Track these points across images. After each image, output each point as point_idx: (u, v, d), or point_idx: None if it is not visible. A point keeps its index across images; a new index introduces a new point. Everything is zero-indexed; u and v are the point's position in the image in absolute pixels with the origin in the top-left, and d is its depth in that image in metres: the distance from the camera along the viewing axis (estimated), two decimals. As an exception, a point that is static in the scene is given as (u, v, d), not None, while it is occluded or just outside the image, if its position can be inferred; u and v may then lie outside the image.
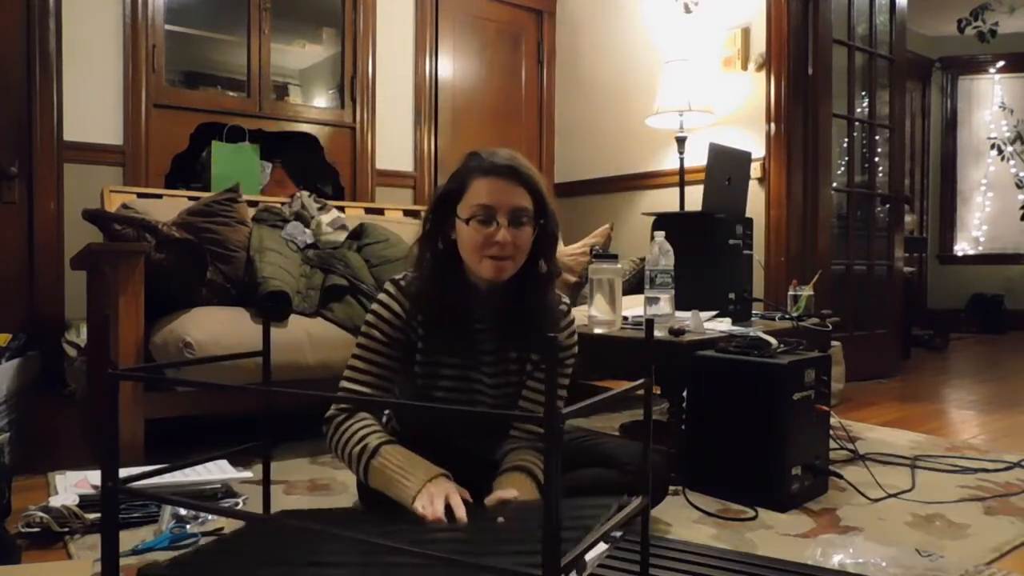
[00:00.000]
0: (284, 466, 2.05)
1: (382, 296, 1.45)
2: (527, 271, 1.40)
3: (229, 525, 1.51)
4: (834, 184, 3.61)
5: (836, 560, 1.36)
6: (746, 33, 3.53)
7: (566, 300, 1.53)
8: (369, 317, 1.44)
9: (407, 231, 2.88)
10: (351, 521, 1.50)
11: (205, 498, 1.69)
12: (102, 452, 0.99)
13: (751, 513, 1.68)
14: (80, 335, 2.78)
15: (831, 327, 2.43)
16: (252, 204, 2.79)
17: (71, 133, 3.07)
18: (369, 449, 1.34)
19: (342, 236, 2.72)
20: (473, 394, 1.47)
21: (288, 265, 2.39)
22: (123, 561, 1.17)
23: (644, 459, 1.13)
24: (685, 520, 1.63)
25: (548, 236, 1.39)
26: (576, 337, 1.52)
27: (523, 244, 1.35)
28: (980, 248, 6.72)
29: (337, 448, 1.41)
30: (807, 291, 2.58)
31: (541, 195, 1.36)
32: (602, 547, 1.28)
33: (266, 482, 1.25)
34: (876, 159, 3.91)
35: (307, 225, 2.74)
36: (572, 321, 1.52)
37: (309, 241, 2.65)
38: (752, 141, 3.43)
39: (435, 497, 1.22)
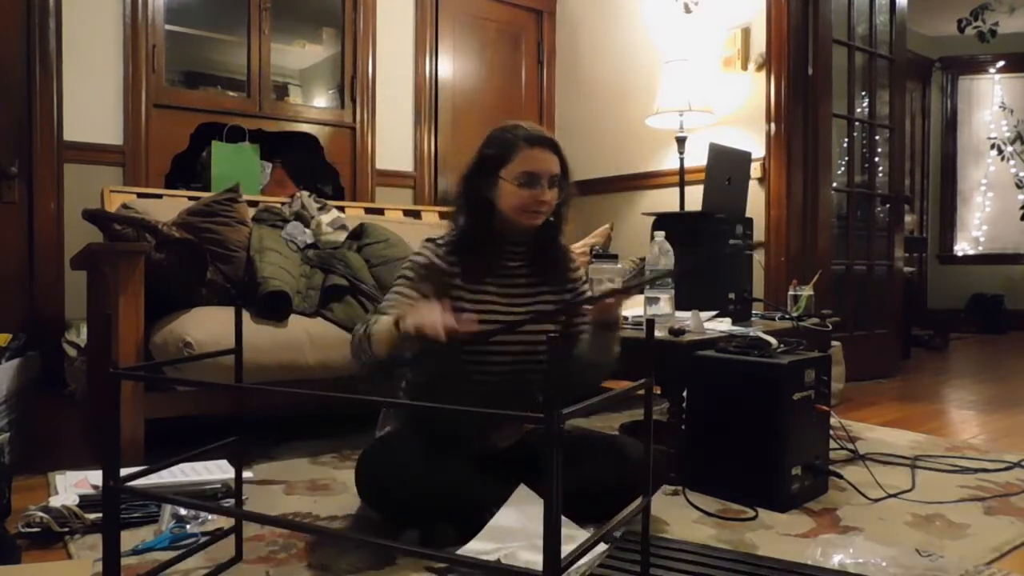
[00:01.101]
0: (284, 466, 2.05)
1: (420, 249, 1.63)
2: (547, 220, 1.64)
3: (229, 525, 1.50)
4: (834, 184, 3.61)
5: (836, 560, 1.36)
6: (746, 33, 3.53)
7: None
8: (405, 265, 1.63)
9: (407, 231, 2.88)
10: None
11: (205, 498, 1.69)
12: (103, 451, 0.99)
13: (751, 513, 1.68)
14: (80, 335, 2.78)
15: (831, 327, 2.43)
16: (252, 204, 2.79)
17: (71, 133, 3.07)
18: (369, 325, 1.50)
19: (342, 236, 2.72)
20: (507, 317, 1.62)
21: (288, 265, 2.39)
22: (123, 561, 1.17)
23: (646, 459, 1.13)
24: (685, 520, 1.63)
25: (567, 194, 1.64)
26: (581, 270, 1.79)
27: (554, 201, 1.60)
28: (980, 248, 6.72)
29: (353, 347, 1.53)
30: (807, 291, 2.58)
31: (566, 163, 1.62)
32: (602, 547, 1.28)
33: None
34: (876, 159, 3.91)
35: (307, 225, 2.73)
36: (572, 255, 1.78)
37: (309, 241, 2.65)
38: (752, 141, 3.43)
39: (424, 314, 1.36)
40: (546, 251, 1.68)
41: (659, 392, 2.11)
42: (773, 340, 1.86)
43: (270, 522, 1.26)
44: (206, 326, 2.05)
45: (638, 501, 1.11)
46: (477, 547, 1.31)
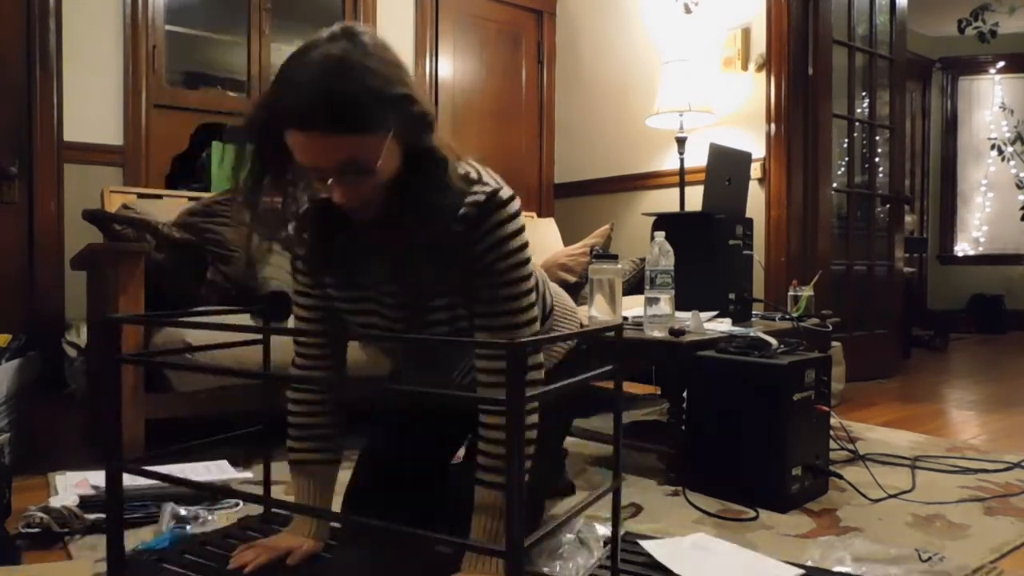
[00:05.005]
0: (284, 466, 2.04)
1: None
2: (406, 174, 1.09)
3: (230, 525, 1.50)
4: (834, 184, 3.61)
5: (836, 561, 1.36)
6: (746, 33, 3.53)
7: (482, 176, 1.13)
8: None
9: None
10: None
11: (205, 498, 1.68)
12: (104, 434, 0.99)
13: (751, 513, 1.68)
14: (80, 335, 2.78)
15: (831, 327, 2.43)
16: (252, 204, 2.79)
17: (71, 133, 3.07)
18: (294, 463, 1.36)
19: (342, 236, 2.71)
20: (389, 322, 1.23)
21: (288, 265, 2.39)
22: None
23: (615, 444, 1.10)
24: (685, 520, 1.63)
25: (409, 130, 1.06)
26: (509, 232, 1.12)
27: (369, 189, 1.07)
28: (980, 248, 6.72)
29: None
30: (807, 291, 2.58)
31: (368, 120, 1.00)
32: (596, 555, 1.28)
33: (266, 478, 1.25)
34: (876, 159, 3.92)
35: (307, 225, 2.73)
36: (494, 215, 1.10)
37: (309, 241, 2.65)
38: (752, 141, 3.43)
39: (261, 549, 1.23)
40: (412, 225, 1.12)
41: (659, 392, 2.11)
42: (773, 340, 1.86)
43: (298, 510, 1.25)
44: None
45: (608, 484, 1.08)
46: None
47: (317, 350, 1.30)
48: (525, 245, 1.15)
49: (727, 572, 1.31)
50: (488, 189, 1.11)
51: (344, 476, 1.42)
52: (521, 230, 1.15)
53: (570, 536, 1.32)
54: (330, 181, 1.04)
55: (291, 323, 1.41)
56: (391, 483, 1.44)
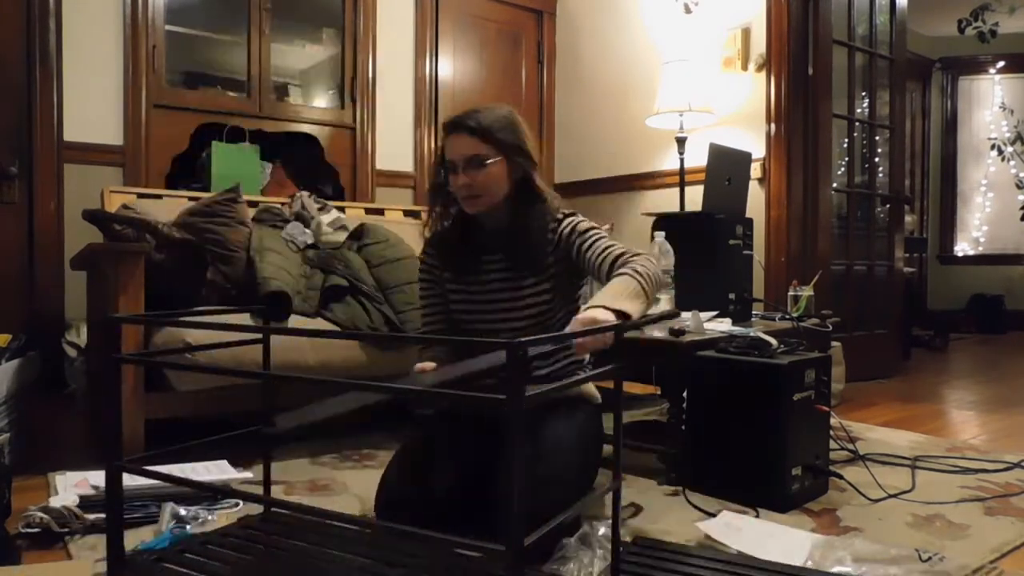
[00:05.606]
0: (284, 466, 2.05)
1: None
2: (515, 202, 1.63)
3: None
4: (834, 184, 3.61)
5: (836, 561, 1.35)
6: (746, 33, 3.53)
7: (564, 211, 1.67)
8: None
9: (407, 231, 2.88)
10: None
11: (205, 498, 1.68)
12: (104, 434, 0.99)
13: (751, 513, 1.68)
14: (80, 335, 2.78)
15: (831, 327, 2.43)
16: (252, 204, 2.79)
17: (71, 133, 3.07)
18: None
19: (342, 236, 2.72)
20: (494, 314, 1.65)
21: (288, 265, 2.39)
22: (123, 561, 1.17)
23: (615, 444, 1.11)
24: (685, 520, 1.63)
25: (518, 167, 1.60)
26: (581, 222, 1.65)
27: (484, 181, 1.57)
28: (980, 248, 6.72)
29: None
30: (807, 291, 2.58)
31: (494, 137, 1.56)
32: (598, 555, 1.28)
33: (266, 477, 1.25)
34: (876, 159, 3.91)
35: (307, 225, 2.73)
36: (568, 220, 1.65)
37: (309, 241, 2.65)
38: (752, 141, 3.43)
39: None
40: (517, 237, 1.62)
41: (659, 392, 2.11)
42: (773, 340, 1.86)
43: (298, 510, 1.25)
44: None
45: (607, 483, 1.10)
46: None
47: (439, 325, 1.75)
48: (594, 226, 1.66)
49: (762, 541, 1.47)
50: (564, 212, 1.68)
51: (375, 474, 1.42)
52: (586, 220, 1.68)
53: (571, 539, 1.32)
54: (460, 168, 1.56)
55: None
56: (428, 479, 1.48)
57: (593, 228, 1.64)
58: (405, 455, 1.58)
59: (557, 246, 1.63)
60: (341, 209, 3.00)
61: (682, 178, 3.47)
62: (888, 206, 3.96)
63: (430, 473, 1.48)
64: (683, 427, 1.91)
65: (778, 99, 3.40)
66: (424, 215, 3.48)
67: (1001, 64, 6.52)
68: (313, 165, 3.76)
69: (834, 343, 2.72)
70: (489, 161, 1.56)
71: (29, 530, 1.49)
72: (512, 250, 1.63)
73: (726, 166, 2.59)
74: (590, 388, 1.72)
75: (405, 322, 2.36)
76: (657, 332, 1.97)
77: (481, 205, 1.60)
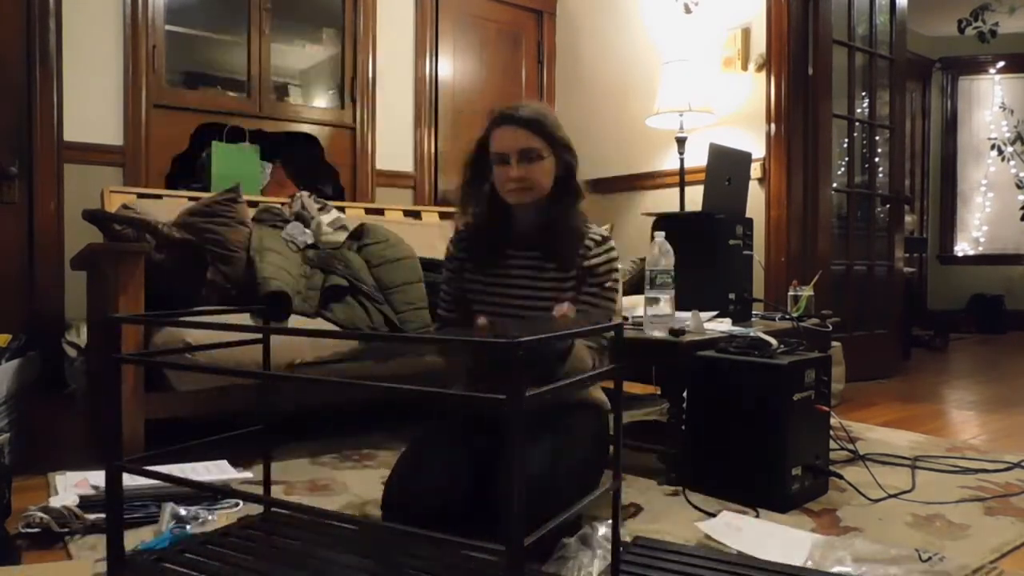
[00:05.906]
0: (284, 466, 2.05)
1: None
2: (554, 197, 1.66)
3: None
4: (834, 184, 3.61)
5: (836, 561, 1.35)
6: (746, 33, 3.53)
7: (601, 231, 1.72)
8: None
9: (407, 231, 2.88)
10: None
11: (205, 498, 1.68)
12: (104, 434, 0.99)
13: (751, 513, 1.68)
14: (80, 335, 2.78)
15: (831, 327, 2.43)
16: (252, 204, 2.79)
17: (71, 133, 3.07)
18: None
19: (342, 237, 2.72)
20: (513, 309, 1.67)
21: (288, 265, 2.39)
22: (123, 561, 1.17)
23: (616, 444, 1.12)
24: (685, 520, 1.63)
25: (564, 164, 1.66)
26: (614, 259, 1.70)
27: (537, 175, 1.62)
28: (980, 248, 6.72)
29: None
30: (807, 291, 2.58)
31: (547, 132, 1.61)
32: (598, 555, 1.28)
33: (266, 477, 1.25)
34: (876, 159, 3.91)
35: (307, 225, 2.73)
36: (607, 246, 1.69)
37: (309, 241, 2.65)
38: (752, 141, 3.43)
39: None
40: (553, 232, 1.65)
41: (659, 392, 2.11)
42: (773, 340, 1.86)
43: (297, 510, 1.25)
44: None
45: (608, 483, 1.10)
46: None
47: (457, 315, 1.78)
48: (618, 268, 1.72)
49: (762, 540, 1.49)
50: (603, 231, 1.74)
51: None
52: (618, 258, 1.72)
53: (571, 539, 1.32)
54: (513, 160, 1.59)
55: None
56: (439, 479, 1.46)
57: (612, 281, 1.68)
58: (416, 452, 1.55)
59: (585, 259, 1.66)
60: (341, 209, 3.00)
61: (682, 178, 3.47)
62: (888, 206, 3.96)
63: (442, 472, 1.46)
64: (683, 427, 1.91)
65: (778, 99, 3.40)
66: (424, 215, 3.49)
67: (1001, 64, 6.52)
68: (313, 165, 3.76)
69: (834, 343, 2.72)
70: (544, 155, 1.61)
71: (29, 530, 1.49)
72: (550, 244, 1.65)
73: (726, 166, 2.59)
74: (601, 395, 1.72)
75: (405, 322, 2.37)
76: (657, 332, 1.97)
77: (529, 197, 1.62)
